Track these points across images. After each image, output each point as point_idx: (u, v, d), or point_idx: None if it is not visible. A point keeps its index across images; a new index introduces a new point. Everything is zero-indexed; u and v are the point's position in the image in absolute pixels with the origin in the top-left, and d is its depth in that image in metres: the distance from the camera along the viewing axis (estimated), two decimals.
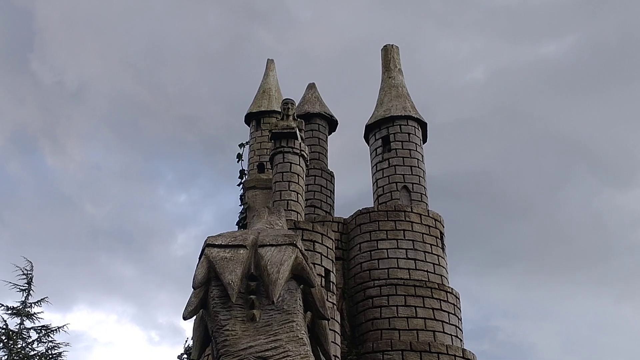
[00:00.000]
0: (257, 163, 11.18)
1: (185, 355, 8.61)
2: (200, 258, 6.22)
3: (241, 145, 11.51)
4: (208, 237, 6.49)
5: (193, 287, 5.97)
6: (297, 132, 8.69)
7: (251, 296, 5.82)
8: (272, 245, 6.06)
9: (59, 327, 18.69)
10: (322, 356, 6.41)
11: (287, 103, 8.92)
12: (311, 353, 5.64)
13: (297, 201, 8.36)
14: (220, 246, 6.09)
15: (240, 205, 10.90)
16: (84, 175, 32.40)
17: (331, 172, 10.22)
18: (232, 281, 5.81)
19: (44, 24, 31.86)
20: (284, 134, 8.68)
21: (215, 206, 33.75)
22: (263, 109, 11.55)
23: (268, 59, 12.55)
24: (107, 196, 32.19)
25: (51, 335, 18.67)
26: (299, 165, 8.63)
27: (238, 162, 11.34)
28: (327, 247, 8.07)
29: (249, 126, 11.76)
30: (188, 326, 30.06)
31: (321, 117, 10.63)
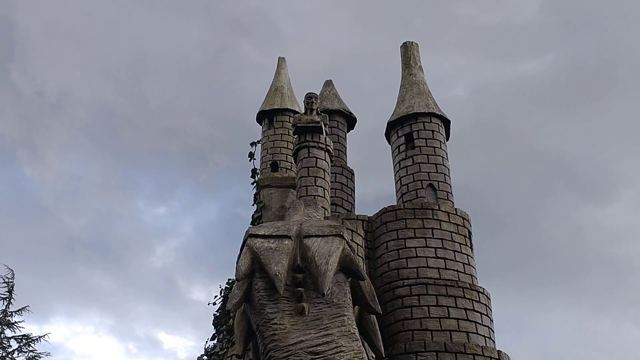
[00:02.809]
0: (270, 162, 10.90)
1: (205, 357, 8.24)
2: (241, 249, 5.91)
3: (253, 144, 11.23)
4: (249, 227, 6.18)
5: (236, 279, 5.64)
6: (323, 126, 8.42)
7: (299, 289, 5.51)
8: (318, 235, 5.76)
9: (39, 337, 18.23)
10: (369, 353, 6.11)
11: (310, 97, 8.66)
12: (364, 349, 5.34)
13: (324, 197, 8.07)
14: (263, 236, 5.78)
15: (253, 205, 10.60)
16: (62, 186, 31.90)
17: (351, 169, 9.95)
18: (278, 272, 5.49)
19: (25, 34, 31.39)
20: (309, 128, 8.41)
21: (195, 218, 33.37)
22: (276, 107, 11.28)
23: (279, 57, 12.28)
24: (86, 207, 31.71)
25: (32, 344, 18.21)
26: (325, 160, 8.36)
27: (250, 160, 11.06)
28: (357, 244, 7.79)
29: (261, 124, 11.48)
30: (166, 339, 29.54)
31: (340, 114, 10.37)
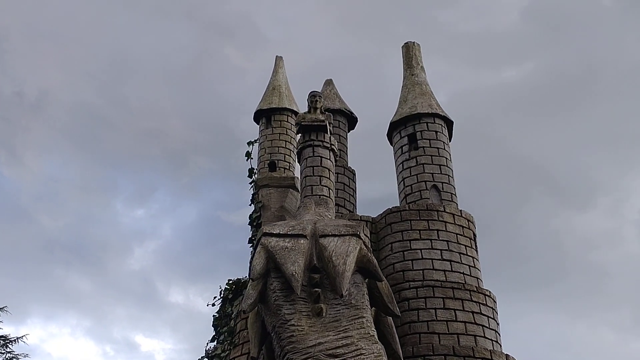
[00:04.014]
0: (268, 161, 10.73)
1: (206, 359, 8.05)
2: (255, 248, 5.74)
3: (250, 143, 11.05)
4: (263, 225, 6.02)
5: (251, 279, 5.47)
6: (328, 125, 8.28)
7: (315, 289, 5.36)
8: (334, 235, 5.61)
9: (17, 338, 17.83)
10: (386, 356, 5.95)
11: (314, 96, 8.50)
12: (384, 352, 5.20)
13: (329, 196, 7.92)
14: (278, 235, 5.62)
15: (250, 205, 10.42)
16: (41, 187, 31.39)
17: (353, 170, 9.82)
18: (295, 272, 5.32)
19: (4, 33, 30.84)
20: (314, 127, 8.26)
21: (175, 220, 33.00)
22: (274, 106, 11.12)
23: (277, 56, 12.12)
24: (64, 209, 31.22)
25: (10, 346, 17.83)
26: (329, 159, 8.21)
27: (247, 160, 10.88)
28: None
29: (258, 124, 11.31)
30: (144, 341, 29.19)
31: (341, 114, 10.24)
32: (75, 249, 30.38)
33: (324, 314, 5.20)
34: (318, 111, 8.45)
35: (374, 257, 5.65)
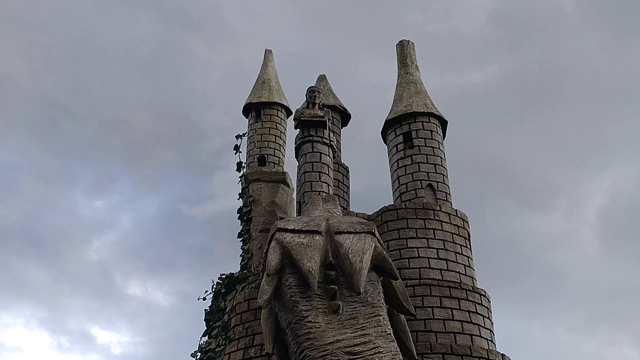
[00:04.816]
0: (257, 155, 10.65)
1: (199, 354, 7.96)
2: (269, 243, 5.68)
3: (238, 137, 10.94)
4: (277, 221, 5.96)
5: (267, 274, 5.42)
6: (327, 121, 8.25)
7: (332, 286, 5.34)
8: (350, 232, 5.59)
9: None
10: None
11: (313, 91, 8.48)
12: (399, 350, 5.20)
13: (328, 193, 7.89)
14: (293, 231, 5.57)
15: (239, 199, 10.33)
16: None
17: (347, 166, 9.80)
18: (312, 269, 5.29)
19: None
20: (313, 122, 8.22)
21: (135, 212, 32.43)
22: (264, 100, 11.04)
23: (266, 49, 12.01)
24: (21, 197, 30.49)
25: None
26: (328, 155, 8.18)
27: (236, 154, 10.78)
28: None
29: (247, 117, 11.22)
30: (100, 333, 28.80)
31: (334, 110, 10.21)
32: (32, 239, 29.73)
33: (341, 311, 5.17)
34: (316, 107, 8.42)
35: (388, 256, 5.64)
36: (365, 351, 4.97)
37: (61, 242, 29.54)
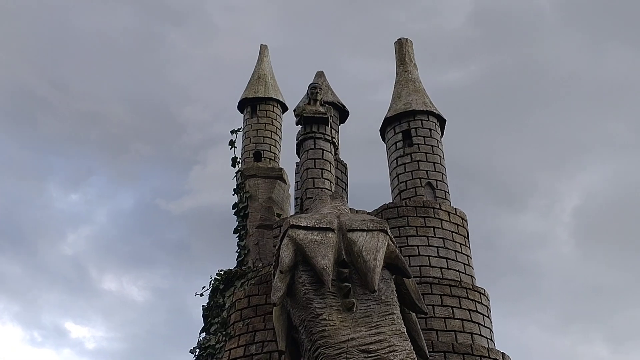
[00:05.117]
0: (253, 151, 10.61)
1: (198, 350, 7.90)
2: (281, 240, 5.64)
3: (233, 132, 10.88)
4: (289, 217, 5.92)
5: (280, 271, 5.38)
6: (329, 118, 8.22)
7: (346, 284, 5.32)
8: (362, 230, 5.57)
9: None
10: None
11: (315, 87, 8.45)
12: (413, 349, 5.19)
13: (330, 189, 7.87)
14: (306, 228, 5.54)
15: (234, 194, 10.28)
16: None
17: (345, 163, 9.78)
18: (326, 266, 5.26)
19: None
20: (316, 119, 8.19)
21: (111, 206, 32.05)
22: (260, 95, 11.00)
23: (261, 45, 11.98)
24: None
25: None
26: (330, 152, 8.16)
27: (231, 149, 10.71)
28: None
29: (243, 113, 11.17)
30: (74, 328, 28.53)
31: (333, 107, 10.18)
32: (6, 232, 29.27)
33: (355, 309, 5.15)
34: (318, 103, 8.38)
35: (401, 254, 5.63)
36: (380, 349, 4.95)
37: (36, 236, 29.17)
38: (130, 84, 30.22)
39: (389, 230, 5.63)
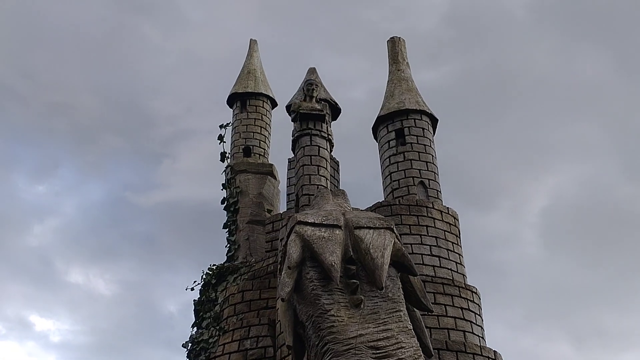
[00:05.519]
0: (242, 146, 10.59)
1: (190, 345, 7.88)
2: (288, 236, 5.65)
3: (222, 126, 10.83)
4: (296, 214, 5.92)
5: (288, 267, 5.39)
6: (325, 115, 8.24)
7: (354, 281, 5.35)
8: (369, 227, 5.60)
9: None
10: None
11: (311, 84, 8.47)
12: (419, 346, 5.24)
13: (327, 187, 7.89)
14: (313, 224, 5.55)
15: (222, 189, 10.25)
16: None
17: (337, 161, 9.81)
18: (334, 263, 5.28)
19: None
20: (312, 115, 8.20)
21: (79, 199, 31.60)
22: (250, 90, 10.98)
23: (251, 39, 11.96)
24: None
25: None
26: (326, 149, 8.18)
27: (220, 143, 10.67)
28: None
29: (232, 107, 11.13)
30: (38, 321, 28.19)
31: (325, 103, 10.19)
32: None
33: (362, 306, 5.18)
34: (314, 100, 8.40)
35: (407, 252, 5.68)
36: (388, 346, 4.99)
37: (0, 227, 28.71)
38: (100, 75, 29.80)
39: (395, 229, 5.67)
